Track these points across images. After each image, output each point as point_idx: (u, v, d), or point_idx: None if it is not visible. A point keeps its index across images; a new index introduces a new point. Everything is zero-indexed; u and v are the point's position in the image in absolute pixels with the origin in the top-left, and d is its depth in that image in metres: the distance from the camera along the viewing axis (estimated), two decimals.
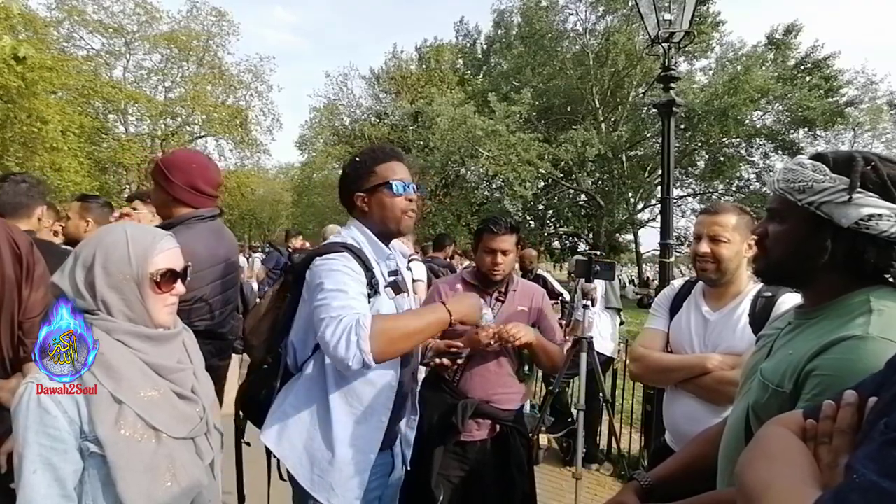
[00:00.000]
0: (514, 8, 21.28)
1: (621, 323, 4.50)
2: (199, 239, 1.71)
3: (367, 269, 1.39)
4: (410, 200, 1.51)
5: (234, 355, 2.16)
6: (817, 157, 0.89)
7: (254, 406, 1.50)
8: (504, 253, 2.02)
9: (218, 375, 1.77)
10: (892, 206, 0.80)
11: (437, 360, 1.83)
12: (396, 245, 1.67)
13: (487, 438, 2.01)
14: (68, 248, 2.39)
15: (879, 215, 0.80)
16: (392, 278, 1.51)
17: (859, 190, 0.81)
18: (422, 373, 1.99)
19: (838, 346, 0.79)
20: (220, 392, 1.65)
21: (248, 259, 9.34)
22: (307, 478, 1.37)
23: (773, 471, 0.61)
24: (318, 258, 1.38)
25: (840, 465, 0.59)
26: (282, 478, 1.44)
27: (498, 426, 2.02)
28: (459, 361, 1.83)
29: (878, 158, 0.83)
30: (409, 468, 1.69)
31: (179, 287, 1.14)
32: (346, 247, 1.40)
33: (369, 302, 1.38)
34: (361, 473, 1.39)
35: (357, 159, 1.54)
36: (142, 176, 19.38)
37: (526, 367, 2.12)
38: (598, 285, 4.11)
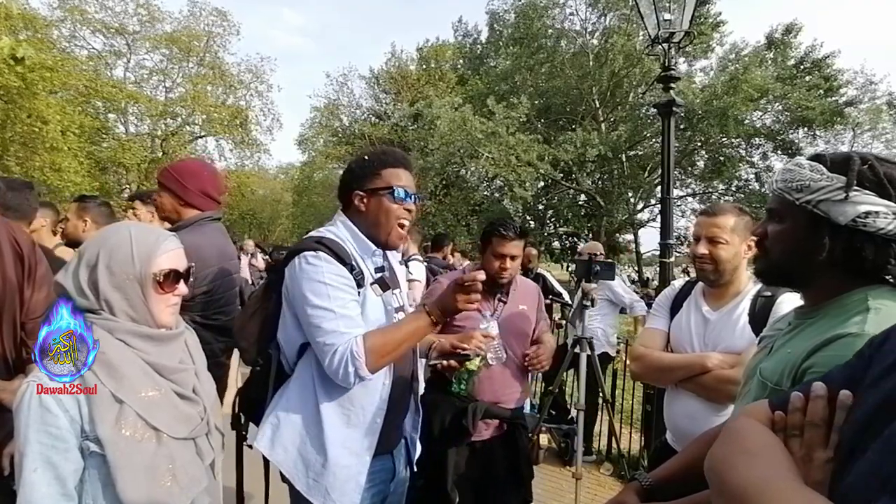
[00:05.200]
0: (508, 7, 21.28)
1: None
2: (211, 238, 1.86)
3: (346, 263, 1.37)
4: (409, 210, 1.49)
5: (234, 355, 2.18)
6: (815, 157, 0.90)
7: (255, 407, 1.50)
8: (512, 258, 2.06)
9: (222, 373, 1.83)
10: (888, 203, 0.81)
11: (444, 363, 1.81)
12: None
13: (495, 436, 2.07)
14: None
15: (876, 213, 0.81)
16: (378, 275, 1.48)
17: (856, 188, 0.82)
18: (425, 372, 1.99)
19: (834, 344, 0.80)
20: (220, 391, 1.65)
21: (250, 258, 9.31)
22: (303, 482, 1.37)
23: (763, 470, 0.59)
24: (295, 257, 1.36)
25: (815, 460, 0.59)
26: (283, 480, 1.43)
27: (505, 425, 2.07)
28: (469, 365, 1.81)
29: (875, 158, 0.84)
30: (415, 469, 1.66)
31: (182, 287, 1.14)
32: (320, 242, 1.37)
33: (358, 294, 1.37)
34: (357, 477, 1.37)
35: (366, 158, 1.53)
36: (142, 176, 19.36)
37: None
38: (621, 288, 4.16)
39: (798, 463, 0.59)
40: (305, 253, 1.35)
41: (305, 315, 1.33)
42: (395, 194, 1.45)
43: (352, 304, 1.35)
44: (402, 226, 1.49)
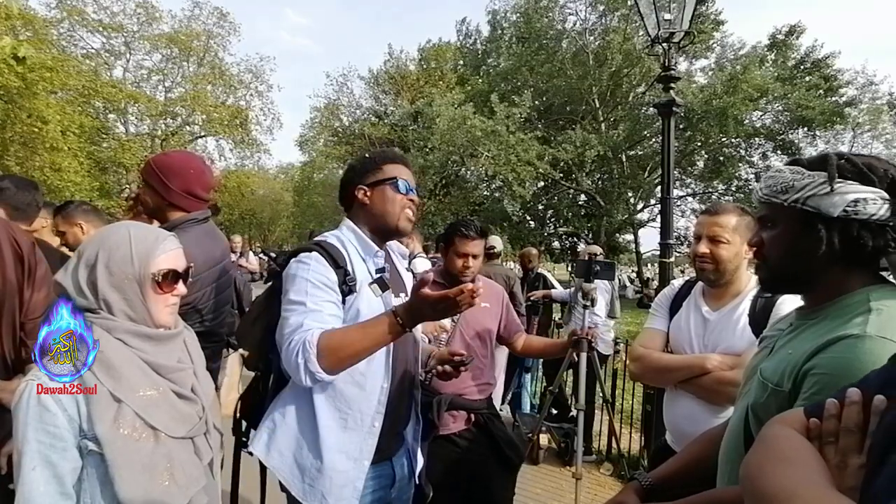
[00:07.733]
0: (509, 7, 21.28)
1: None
2: (196, 243, 1.69)
3: (339, 266, 1.34)
4: (412, 201, 1.51)
5: (235, 354, 2.16)
6: (792, 162, 0.92)
7: (256, 412, 1.48)
8: (475, 257, 2.14)
9: (213, 376, 1.77)
10: (873, 189, 0.82)
11: (439, 368, 1.75)
12: (395, 246, 1.65)
13: (467, 429, 2.10)
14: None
15: (865, 199, 0.82)
16: (379, 275, 1.46)
17: (839, 179, 0.83)
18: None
19: (836, 345, 0.79)
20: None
21: (238, 257, 9.18)
22: (299, 488, 1.34)
23: (794, 476, 0.59)
24: (292, 259, 1.37)
25: (850, 466, 0.59)
26: (283, 489, 1.40)
27: (472, 415, 2.12)
28: (462, 370, 1.80)
29: (848, 154, 0.87)
30: (417, 482, 1.63)
31: (181, 287, 1.14)
32: (319, 244, 1.37)
33: (345, 301, 1.35)
34: (354, 481, 1.35)
35: (367, 155, 1.57)
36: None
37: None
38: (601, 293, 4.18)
39: (832, 469, 0.59)
40: (301, 254, 1.36)
41: (282, 310, 1.31)
42: (399, 186, 1.47)
43: (328, 305, 1.30)
44: (409, 214, 1.50)
